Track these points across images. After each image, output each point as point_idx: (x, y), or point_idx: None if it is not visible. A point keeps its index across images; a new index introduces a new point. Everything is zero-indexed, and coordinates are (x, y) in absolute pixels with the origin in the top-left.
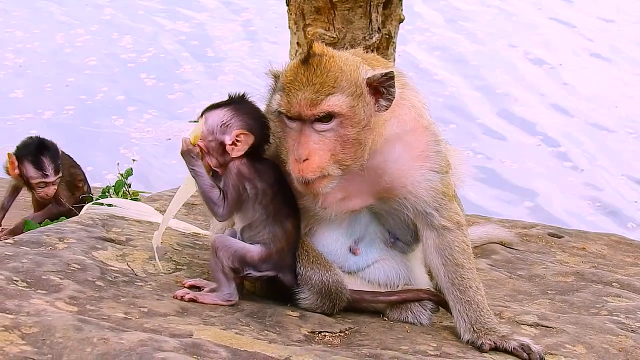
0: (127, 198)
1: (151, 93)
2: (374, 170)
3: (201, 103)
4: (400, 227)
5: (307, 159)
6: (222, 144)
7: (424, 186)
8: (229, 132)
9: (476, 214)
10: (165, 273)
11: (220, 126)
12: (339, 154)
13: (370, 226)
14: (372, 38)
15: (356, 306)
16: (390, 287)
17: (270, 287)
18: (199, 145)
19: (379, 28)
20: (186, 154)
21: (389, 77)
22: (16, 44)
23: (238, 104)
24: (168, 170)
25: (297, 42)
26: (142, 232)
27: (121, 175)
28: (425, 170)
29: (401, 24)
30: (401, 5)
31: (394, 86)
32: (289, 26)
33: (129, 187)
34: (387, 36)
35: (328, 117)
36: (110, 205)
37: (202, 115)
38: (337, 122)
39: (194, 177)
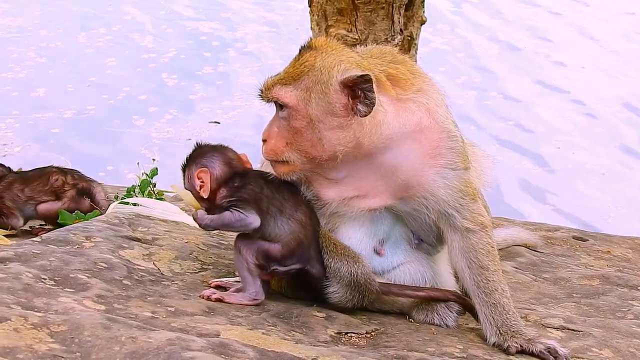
0: (152, 197)
1: (172, 93)
2: (385, 167)
3: (222, 104)
4: (423, 229)
5: (265, 140)
6: (199, 195)
7: (440, 184)
8: (194, 181)
9: (500, 216)
10: (191, 273)
11: (189, 181)
12: (294, 143)
13: (394, 227)
14: (394, 39)
15: (382, 307)
16: None
17: (298, 282)
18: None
19: (401, 30)
20: (198, 220)
21: (364, 80)
22: (39, 42)
23: (191, 154)
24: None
25: None
26: (167, 231)
27: (146, 174)
28: (439, 168)
29: (423, 25)
30: (423, 7)
31: (372, 90)
32: (311, 27)
33: (154, 186)
34: (409, 38)
35: (281, 105)
36: (135, 204)
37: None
38: (287, 112)
39: (210, 229)
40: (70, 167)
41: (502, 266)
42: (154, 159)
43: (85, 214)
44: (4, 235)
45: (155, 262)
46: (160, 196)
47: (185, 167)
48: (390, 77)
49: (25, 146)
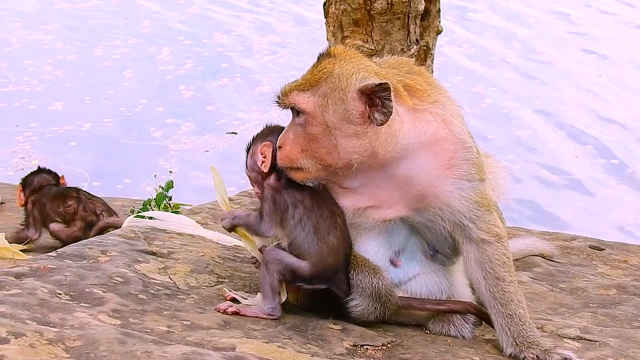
0: (168, 211)
1: (189, 105)
2: (400, 178)
3: (238, 115)
4: (439, 240)
5: (281, 146)
6: (260, 170)
7: (455, 195)
8: (257, 156)
9: (516, 226)
10: (207, 286)
11: (252, 157)
12: (309, 150)
13: (410, 238)
14: (410, 50)
15: (398, 319)
16: None
17: (316, 298)
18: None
19: (417, 40)
20: (225, 222)
21: (382, 88)
22: (56, 55)
23: (260, 132)
24: (206, 181)
25: None
26: (183, 245)
27: (162, 187)
28: (455, 179)
29: (439, 35)
30: (439, 17)
31: (390, 99)
32: (327, 38)
33: (170, 199)
34: (425, 48)
35: (298, 111)
36: (151, 218)
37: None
38: (304, 118)
39: (237, 226)
40: (90, 195)
41: (518, 276)
42: (171, 171)
43: None
44: (20, 250)
45: (171, 276)
46: (176, 209)
47: (250, 145)
48: (407, 87)
49: (43, 159)
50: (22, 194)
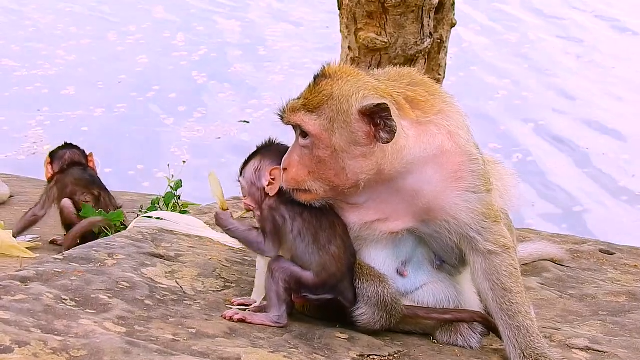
0: (176, 211)
1: (202, 92)
2: (407, 191)
3: (251, 103)
4: (445, 251)
5: (286, 169)
6: (262, 189)
7: (462, 208)
8: (263, 175)
9: (527, 228)
10: (213, 291)
11: (255, 173)
12: (317, 172)
13: (417, 249)
14: (423, 43)
15: (405, 328)
16: None
17: (323, 308)
18: (244, 203)
19: (430, 33)
20: (222, 222)
21: (381, 108)
22: (69, 40)
23: (265, 149)
24: (217, 169)
25: (349, 47)
26: (191, 247)
27: (171, 187)
28: (461, 192)
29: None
30: (453, 10)
31: (390, 118)
32: (341, 30)
33: (179, 198)
34: (439, 41)
35: (305, 133)
36: (159, 218)
37: (240, 173)
38: (310, 140)
39: (230, 235)
40: (111, 200)
41: (527, 282)
42: (184, 161)
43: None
44: (27, 248)
45: (177, 280)
46: (184, 208)
47: (255, 157)
48: (409, 100)
49: (55, 144)
50: (50, 167)
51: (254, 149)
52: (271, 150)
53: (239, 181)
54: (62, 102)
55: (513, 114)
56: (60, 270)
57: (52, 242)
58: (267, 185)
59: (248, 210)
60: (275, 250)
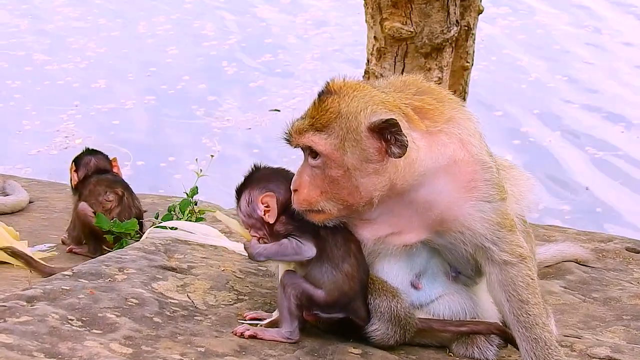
0: (193, 217)
1: (232, 82)
2: (419, 203)
3: (282, 92)
4: (460, 261)
5: (296, 190)
6: (261, 219)
7: (476, 218)
8: (256, 207)
9: (552, 225)
10: (225, 305)
11: (248, 205)
12: (329, 192)
13: (431, 260)
14: (450, 31)
15: (421, 341)
16: None
17: (335, 324)
18: (252, 236)
19: (457, 21)
20: (250, 250)
21: (390, 124)
22: (99, 32)
23: (251, 176)
24: (248, 160)
25: (374, 37)
26: (204, 258)
27: (186, 194)
28: (475, 201)
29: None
30: None
31: (400, 132)
32: (366, 20)
33: (195, 204)
34: (466, 28)
35: (315, 153)
36: (174, 228)
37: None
38: (321, 160)
39: (265, 258)
40: (134, 201)
41: (550, 285)
42: (212, 155)
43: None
44: (40, 259)
45: (189, 294)
46: (201, 215)
47: (243, 190)
48: (417, 110)
49: (86, 138)
50: (75, 175)
51: (242, 180)
52: (257, 178)
53: (238, 215)
54: (93, 96)
55: (545, 97)
56: (68, 288)
57: (63, 243)
58: (264, 215)
59: (260, 239)
60: (314, 247)
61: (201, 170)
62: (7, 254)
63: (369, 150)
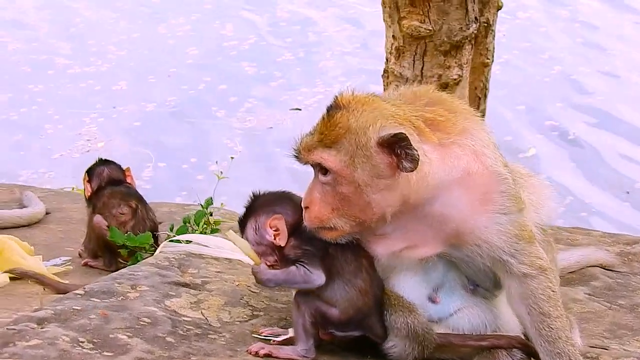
0: (208, 228)
1: (252, 81)
2: (434, 217)
3: (302, 90)
4: (478, 274)
5: (307, 207)
6: (272, 244)
7: (493, 231)
8: (265, 232)
9: (577, 227)
10: (240, 322)
11: (256, 233)
12: (341, 209)
13: (448, 273)
14: (469, 29)
15: (441, 356)
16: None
17: (352, 341)
18: (263, 263)
19: (476, 17)
20: (259, 276)
21: (399, 138)
22: (119, 35)
23: (252, 204)
24: (269, 159)
25: (393, 35)
26: (219, 272)
27: (202, 206)
28: (491, 214)
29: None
30: None
31: (410, 147)
32: (384, 19)
33: (211, 214)
34: (486, 24)
35: (325, 169)
36: (188, 241)
37: (242, 236)
38: (331, 177)
39: (274, 285)
40: (148, 212)
41: (574, 292)
42: (232, 157)
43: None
44: (55, 273)
45: (203, 311)
46: (217, 226)
47: (247, 220)
48: (428, 122)
49: (108, 141)
50: (88, 185)
51: (243, 210)
52: (260, 204)
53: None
54: (114, 98)
55: (567, 91)
56: (79, 308)
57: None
58: (275, 239)
59: (271, 266)
60: (323, 274)
61: (222, 173)
62: (16, 275)
63: (379, 166)
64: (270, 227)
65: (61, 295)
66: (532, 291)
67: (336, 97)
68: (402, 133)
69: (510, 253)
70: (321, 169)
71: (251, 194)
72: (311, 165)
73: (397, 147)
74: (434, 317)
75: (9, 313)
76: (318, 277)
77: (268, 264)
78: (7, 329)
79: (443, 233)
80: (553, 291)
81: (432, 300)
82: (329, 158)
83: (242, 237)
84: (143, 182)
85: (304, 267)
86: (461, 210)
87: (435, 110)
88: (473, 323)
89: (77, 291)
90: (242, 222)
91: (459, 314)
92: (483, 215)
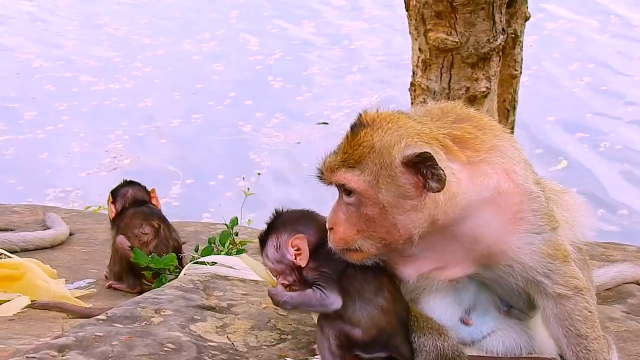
0: (233, 249)
1: (279, 96)
2: (464, 238)
3: (329, 104)
4: (511, 295)
5: (332, 228)
6: (292, 263)
7: (526, 251)
8: (287, 251)
9: (611, 242)
10: (267, 346)
11: (277, 251)
12: (366, 230)
13: (480, 294)
14: (496, 40)
15: None
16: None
17: None
18: (280, 283)
19: (503, 29)
20: (275, 298)
21: (424, 157)
22: (144, 51)
23: (274, 221)
24: (297, 175)
25: (419, 48)
26: (245, 294)
27: (226, 225)
28: (523, 234)
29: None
30: (526, 2)
31: (436, 166)
32: (410, 32)
33: (236, 235)
34: (513, 35)
35: (349, 190)
36: (213, 263)
37: (262, 255)
38: (356, 198)
39: (289, 307)
40: (171, 232)
41: (610, 311)
42: (259, 173)
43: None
44: (78, 297)
45: (229, 336)
46: (242, 246)
47: (268, 237)
48: (456, 139)
49: (134, 158)
50: (113, 207)
51: (265, 227)
52: (283, 222)
53: (265, 263)
54: (139, 115)
55: (598, 100)
56: (101, 334)
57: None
58: (295, 259)
59: (287, 287)
60: (340, 297)
61: (248, 189)
62: (38, 307)
63: (405, 186)
64: (292, 247)
65: (83, 321)
66: (568, 312)
67: (360, 114)
68: (427, 152)
69: (544, 273)
70: (345, 189)
71: (274, 211)
72: (335, 185)
73: (422, 166)
74: (467, 339)
75: (29, 339)
76: (334, 300)
77: (285, 283)
78: (27, 357)
79: (474, 253)
80: (590, 312)
81: (464, 322)
82: (352, 178)
83: (262, 254)
84: (171, 200)
85: (321, 290)
86: (492, 231)
87: (464, 127)
88: (507, 345)
89: (99, 316)
90: (263, 239)
91: (492, 336)
92: (515, 235)
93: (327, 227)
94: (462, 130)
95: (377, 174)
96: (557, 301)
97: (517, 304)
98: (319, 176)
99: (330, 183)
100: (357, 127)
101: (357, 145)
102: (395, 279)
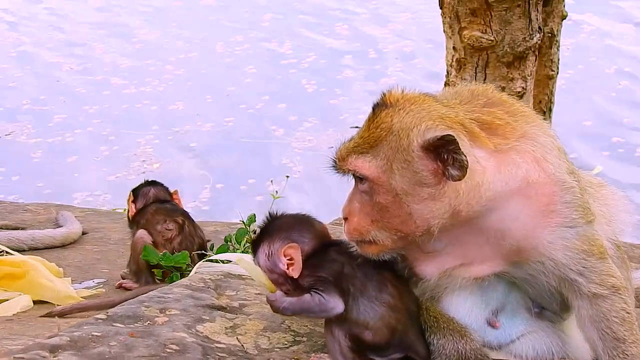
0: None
1: (312, 100)
2: (491, 232)
3: (363, 108)
4: (543, 295)
5: (347, 218)
6: (284, 273)
7: (558, 246)
8: (278, 260)
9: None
10: (280, 348)
11: (269, 259)
12: (380, 220)
13: (509, 295)
14: (532, 39)
15: None
16: None
17: None
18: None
19: (539, 27)
20: (274, 304)
21: (447, 141)
22: (177, 54)
23: (267, 227)
24: (331, 180)
25: (453, 47)
26: (258, 294)
27: (244, 223)
28: (555, 227)
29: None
30: (563, 1)
31: (459, 151)
32: (444, 30)
33: (254, 232)
34: (550, 35)
35: (361, 177)
36: (227, 261)
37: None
38: (368, 185)
39: (288, 313)
40: (195, 229)
41: None
42: (287, 176)
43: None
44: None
45: (239, 337)
46: None
47: (260, 244)
48: (484, 125)
49: (164, 162)
50: (133, 206)
51: (257, 232)
52: (276, 228)
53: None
54: (170, 118)
55: (634, 107)
56: (99, 334)
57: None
58: (287, 269)
59: (286, 293)
60: (340, 300)
61: (277, 192)
62: (57, 315)
63: (422, 173)
64: (285, 256)
65: (80, 320)
66: (605, 313)
67: (383, 94)
68: (449, 135)
69: (578, 271)
70: (358, 176)
71: (267, 215)
72: (349, 174)
73: (443, 151)
74: (493, 342)
75: (24, 340)
76: (335, 304)
77: (284, 290)
78: (15, 357)
79: (502, 249)
80: (628, 313)
81: (491, 324)
82: (363, 165)
83: (254, 260)
84: (201, 204)
85: (319, 294)
86: (522, 224)
87: (494, 112)
88: (538, 350)
89: (98, 315)
90: (255, 245)
91: (522, 340)
92: (546, 229)
93: (341, 216)
94: (491, 115)
95: (390, 158)
96: (592, 301)
97: (549, 304)
98: (333, 167)
99: (343, 172)
100: (379, 107)
101: (375, 127)
102: (399, 271)
